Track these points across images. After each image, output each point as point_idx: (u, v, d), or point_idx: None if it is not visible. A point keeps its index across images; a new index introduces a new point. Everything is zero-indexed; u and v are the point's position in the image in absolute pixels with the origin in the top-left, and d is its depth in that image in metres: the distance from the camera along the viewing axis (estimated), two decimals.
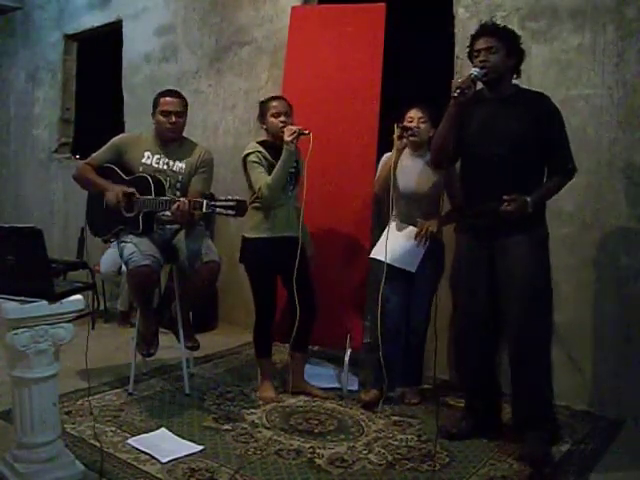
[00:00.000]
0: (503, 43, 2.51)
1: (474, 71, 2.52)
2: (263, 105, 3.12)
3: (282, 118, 3.02)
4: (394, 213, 3.12)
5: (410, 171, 3.08)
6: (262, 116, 3.10)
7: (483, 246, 2.60)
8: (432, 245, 3.05)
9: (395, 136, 3.02)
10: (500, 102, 2.57)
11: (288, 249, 3.02)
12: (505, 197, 2.43)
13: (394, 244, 3.01)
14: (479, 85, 2.62)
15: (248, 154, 3.05)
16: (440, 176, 3.01)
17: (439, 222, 3.02)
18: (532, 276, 2.51)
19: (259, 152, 3.03)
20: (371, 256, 3.14)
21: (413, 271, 3.01)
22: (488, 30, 2.55)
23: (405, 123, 3.04)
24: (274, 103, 3.08)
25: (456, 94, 2.47)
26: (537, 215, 2.52)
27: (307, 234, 3.23)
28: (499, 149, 2.51)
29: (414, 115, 3.07)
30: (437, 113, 3.03)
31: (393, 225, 3.11)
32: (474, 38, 2.57)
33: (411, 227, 3.05)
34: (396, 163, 3.05)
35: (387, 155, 3.16)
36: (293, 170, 3.09)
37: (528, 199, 2.44)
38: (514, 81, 2.62)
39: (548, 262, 2.59)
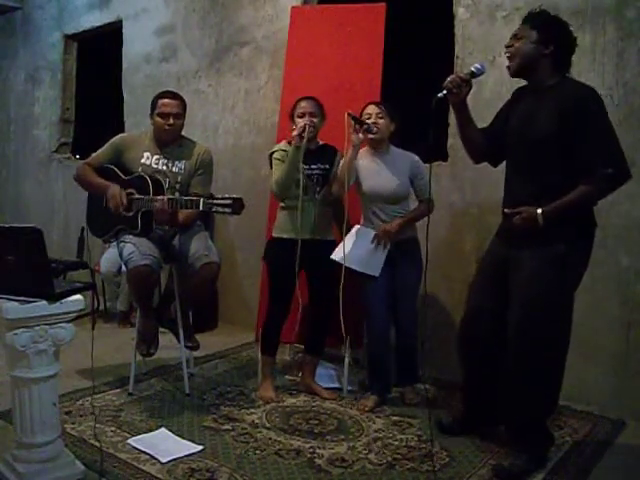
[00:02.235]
0: (536, 30, 2.31)
1: (473, 67, 2.43)
2: (295, 105, 3.11)
3: (306, 118, 3.00)
4: (363, 215, 3.10)
5: (373, 172, 3.02)
6: (292, 117, 3.10)
7: (503, 250, 2.50)
8: (408, 245, 3.03)
9: (347, 131, 2.85)
10: (536, 95, 2.38)
11: (312, 251, 3.00)
12: (506, 211, 2.36)
13: (358, 248, 2.97)
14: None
15: (273, 152, 3.10)
16: (406, 174, 2.98)
17: (400, 222, 2.98)
18: (532, 296, 2.34)
19: (284, 150, 3.05)
20: (331, 257, 3.02)
21: (377, 275, 2.97)
22: (526, 18, 2.39)
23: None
24: (302, 104, 3.07)
25: (441, 95, 2.38)
26: (559, 229, 2.29)
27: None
28: (524, 151, 2.38)
29: (371, 111, 2.98)
30: (395, 109, 3.01)
31: (354, 230, 3.04)
32: None
33: (372, 231, 3.00)
34: (352, 160, 2.92)
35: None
36: (320, 172, 3.07)
37: (539, 212, 2.26)
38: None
39: (564, 282, 2.36)
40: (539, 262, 2.34)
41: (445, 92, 2.39)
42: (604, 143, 2.25)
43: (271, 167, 3.10)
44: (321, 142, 3.15)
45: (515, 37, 2.38)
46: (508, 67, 2.43)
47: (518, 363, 2.41)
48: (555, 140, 2.28)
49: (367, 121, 2.94)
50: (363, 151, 3.07)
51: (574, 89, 2.32)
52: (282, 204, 3.12)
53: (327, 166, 3.09)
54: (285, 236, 3.07)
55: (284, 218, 3.10)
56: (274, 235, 3.15)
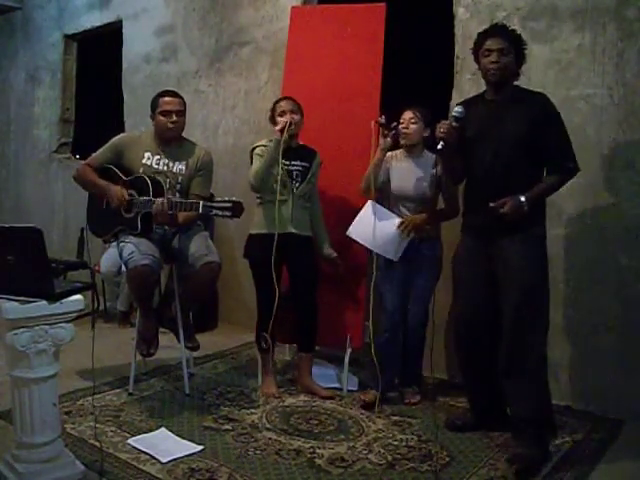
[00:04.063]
0: (513, 47, 2.51)
1: (455, 112, 2.54)
2: (274, 106, 3.20)
3: (287, 116, 3.08)
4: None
5: (404, 172, 3.07)
6: (272, 117, 3.18)
7: (481, 246, 2.60)
8: (430, 245, 3.05)
9: (374, 136, 2.99)
10: (498, 104, 2.56)
11: (291, 246, 3.04)
12: (491, 204, 2.43)
13: (379, 231, 3.00)
14: (482, 86, 2.62)
15: (254, 147, 3.16)
16: (435, 177, 3.00)
17: (427, 217, 3.01)
18: (528, 277, 2.49)
19: (264, 146, 3.11)
20: (348, 234, 3.09)
21: (395, 260, 3.00)
22: (501, 31, 2.55)
23: (394, 124, 3.00)
24: (281, 103, 3.17)
25: (440, 147, 2.51)
26: (535, 214, 2.49)
27: (323, 233, 3.27)
28: (495, 151, 2.51)
29: (406, 117, 3.05)
30: (431, 114, 3.05)
31: (369, 206, 3.05)
32: (485, 37, 2.55)
33: (397, 218, 3.02)
34: (379, 162, 3.01)
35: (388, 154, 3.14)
36: (299, 168, 3.14)
37: (522, 198, 2.42)
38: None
39: (545, 262, 2.58)
40: (524, 246, 2.50)
41: (443, 143, 2.52)
42: (565, 142, 2.51)
43: (251, 162, 3.16)
44: (301, 142, 3.23)
45: (502, 52, 2.50)
46: (492, 75, 2.53)
47: (517, 346, 2.49)
48: (526, 141, 2.48)
49: (399, 126, 3.00)
50: (399, 153, 3.14)
51: (537, 97, 2.55)
52: (259, 200, 3.17)
53: (306, 164, 3.17)
54: (264, 231, 3.11)
55: (261, 214, 3.15)
56: (252, 232, 3.20)
